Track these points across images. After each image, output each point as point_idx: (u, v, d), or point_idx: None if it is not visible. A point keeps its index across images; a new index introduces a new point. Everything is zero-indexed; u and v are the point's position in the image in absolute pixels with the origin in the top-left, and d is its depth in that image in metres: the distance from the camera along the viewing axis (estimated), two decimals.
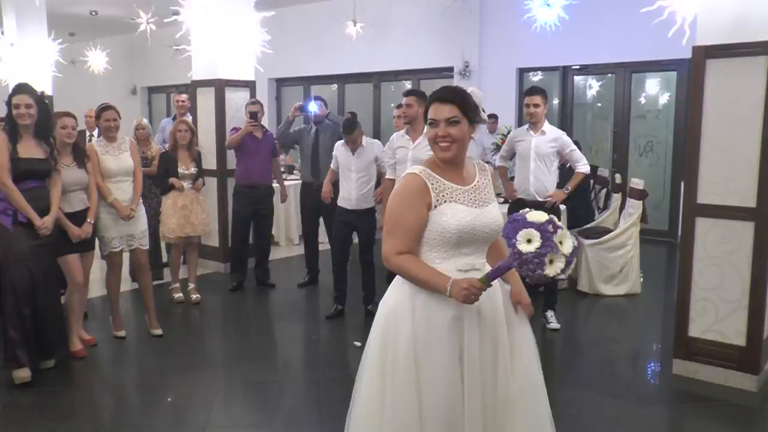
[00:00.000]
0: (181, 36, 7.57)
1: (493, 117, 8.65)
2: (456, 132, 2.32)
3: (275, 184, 6.75)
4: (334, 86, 11.88)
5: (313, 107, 6.58)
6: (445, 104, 2.32)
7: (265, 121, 7.75)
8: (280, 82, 12.61)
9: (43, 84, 9.63)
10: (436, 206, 2.32)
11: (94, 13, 12.33)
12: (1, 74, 10.07)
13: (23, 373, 4.30)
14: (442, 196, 2.33)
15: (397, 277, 2.41)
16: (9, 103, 4.38)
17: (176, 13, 7.32)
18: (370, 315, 5.29)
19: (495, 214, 2.42)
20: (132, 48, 14.24)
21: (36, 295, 4.34)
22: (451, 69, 9.43)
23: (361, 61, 10.73)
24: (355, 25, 9.63)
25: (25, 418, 3.89)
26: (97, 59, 12.23)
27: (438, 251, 2.35)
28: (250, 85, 7.48)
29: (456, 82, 9.36)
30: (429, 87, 10.34)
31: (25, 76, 9.55)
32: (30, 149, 4.36)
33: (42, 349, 4.47)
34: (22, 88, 4.42)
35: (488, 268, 2.35)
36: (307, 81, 12.10)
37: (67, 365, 4.63)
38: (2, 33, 9.75)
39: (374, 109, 11.16)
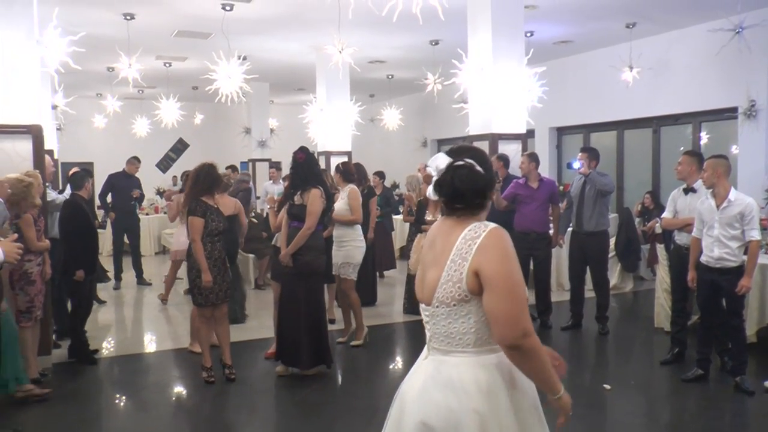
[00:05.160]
0: (459, 95, 8.24)
1: None
2: None
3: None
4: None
5: (576, 165, 7.04)
6: None
7: (545, 169, 7.97)
8: (561, 131, 12.76)
9: (344, 142, 11.06)
10: None
11: (390, 77, 13.78)
12: (312, 134, 11.75)
13: (279, 368, 5.53)
14: None
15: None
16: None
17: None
18: None
19: None
20: (422, 105, 15.50)
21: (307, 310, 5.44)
22: (734, 110, 8.82)
23: (639, 106, 10.51)
24: (631, 71, 9.55)
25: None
26: (391, 117, 13.66)
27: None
28: (521, 138, 7.83)
29: (741, 123, 8.76)
30: (711, 129, 9.77)
31: (329, 136, 11.08)
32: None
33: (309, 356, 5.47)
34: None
35: None
36: (587, 129, 12.10)
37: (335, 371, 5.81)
38: (315, 100, 11.40)
39: (653, 155, 10.75)
